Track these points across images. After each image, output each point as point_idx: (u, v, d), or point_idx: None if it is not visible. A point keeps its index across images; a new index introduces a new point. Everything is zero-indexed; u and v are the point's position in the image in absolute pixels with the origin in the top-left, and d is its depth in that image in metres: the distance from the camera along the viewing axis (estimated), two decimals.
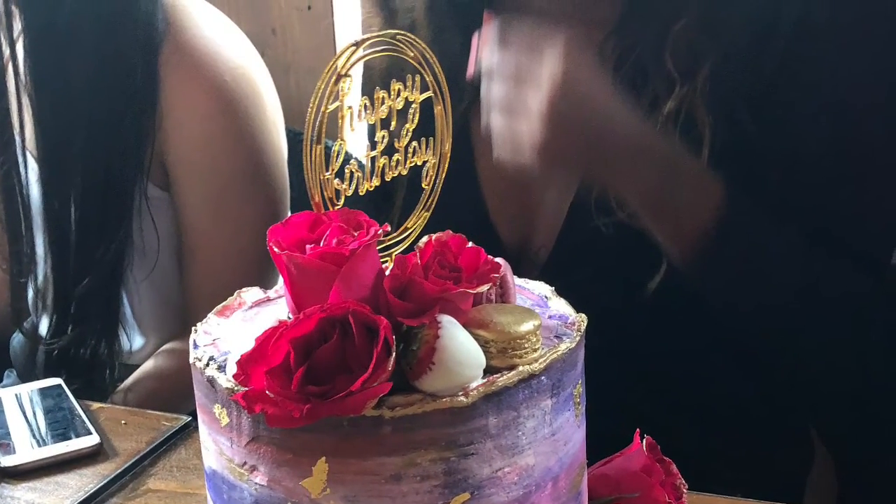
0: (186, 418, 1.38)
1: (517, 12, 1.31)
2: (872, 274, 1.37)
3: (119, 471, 1.28)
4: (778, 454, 1.51)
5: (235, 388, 0.75)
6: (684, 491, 0.92)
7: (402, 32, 0.81)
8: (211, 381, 0.78)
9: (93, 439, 1.32)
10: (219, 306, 0.90)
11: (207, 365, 0.80)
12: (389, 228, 0.79)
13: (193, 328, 0.86)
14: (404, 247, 0.86)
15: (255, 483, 0.77)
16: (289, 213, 1.70)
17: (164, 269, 1.77)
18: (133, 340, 1.82)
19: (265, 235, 0.76)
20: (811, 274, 1.33)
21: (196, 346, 0.83)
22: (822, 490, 1.65)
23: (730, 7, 1.32)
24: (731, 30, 1.31)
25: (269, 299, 0.92)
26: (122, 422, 1.39)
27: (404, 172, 0.85)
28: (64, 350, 1.73)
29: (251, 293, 0.92)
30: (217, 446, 0.80)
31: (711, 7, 1.31)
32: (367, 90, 0.81)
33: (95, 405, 1.45)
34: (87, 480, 1.26)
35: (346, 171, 0.80)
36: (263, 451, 0.76)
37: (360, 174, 0.81)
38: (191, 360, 0.82)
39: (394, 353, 0.71)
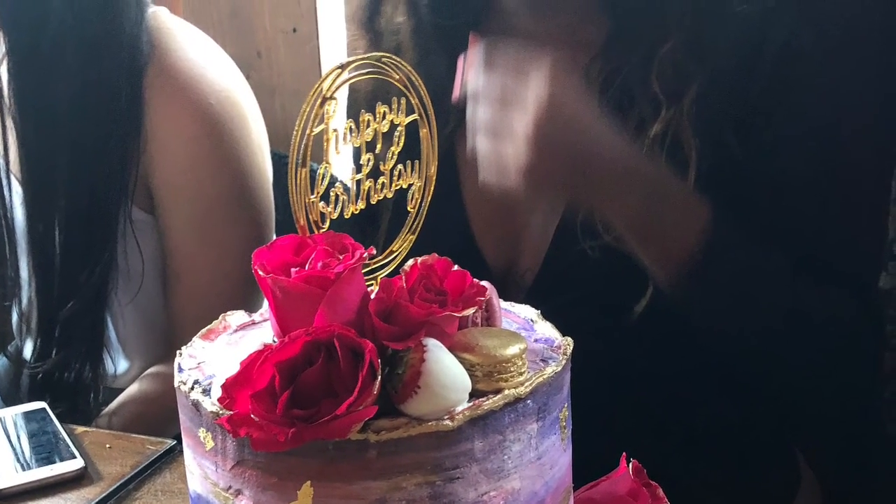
0: (171, 442, 1.37)
1: (503, 35, 1.32)
2: (858, 297, 1.38)
3: (103, 495, 1.27)
4: (765, 478, 1.51)
5: (220, 412, 0.74)
6: None
7: (388, 55, 0.82)
8: (196, 405, 0.78)
9: (77, 463, 1.31)
10: (203, 330, 0.90)
11: (192, 388, 0.79)
12: (375, 252, 0.78)
13: (178, 352, 0.86)
14: (390, 270, 0.86)
15: None
16: (274, 237, 1.70)
17: (149, 293, 1.76)
18: (117, 364, 1.82)
19: (250, 258, 0.76)
20: (798, 297, 1.33)
21: (181, 370, 0.83)
22: None
23: (716, 30, 1.32)
24: (718, 53, 1.31)
25: (253, 323, 0.91)
26: (107, 445, 1.38)
27: (390, 195, 0.85)
28: (48, 373, 1.72)
29: (236, 317, 0.92)
30: (202, 470, 0.79)
31: (698, 30, 1.31)
32: (353, 113, 0.81)
33: (80, 429, 1.43)
34: None
35: (332, 194, 0.80)
36: (248, 475, 0.75)
37: (345, 197, 0.81)
38: (175, 384, 0.81)
39: (379, 377, 0.70)
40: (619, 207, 1.25)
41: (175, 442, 1.36)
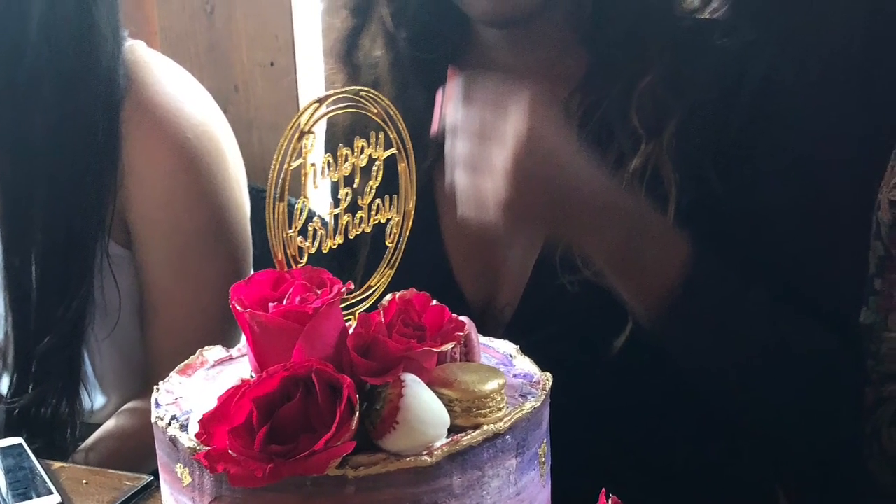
0: (148, 478, 1.35)
1: (482, 68, 1.32)
2: (839, 332, 1.38)
3: None
4: None
5: (198, 448, 0.74)
6: None
7: (366, 89, 0.82)
8: (173, 441, 0.77)
9: (54, 499, 1.30)
10: (181, 365, 0.90)
11: (169, 424, 0.79)
12: (353, 286, 0.78)
13: (155, 387, 0.86)
14: (368, 305, 0.85)
15: None
16: (251, 271, 1.69)
17: (126, 328, 1.75)
18: (94, 399, 1.81)
19: (227, 293, 0.75)
20: (778, 333, 1.33)
21: (158, 405, 0.83)
22: None
23: (696, 64, 1.33)
24: (698, 87, 1.32)
25: (231, 358, 0.91)
26: (84, 481, 1.36)
27: (368, 230, 0.84)
28: (25, 409, 1.71)
29: (213, 352, 0.92)
30: None
31: (677, 64, 1.32)
32: (331, 147, 0.81)
33: (56, 464, 1.42)
34: None
35: (310, 228, 0.80)
36: None
37: (323, 232, 0.81)
38: (153, 419, 0.81)
39: (357, 412, 0.70)
40: (599, 242, 1.25)
41: (152, 478, 1.35)
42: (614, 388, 1.35)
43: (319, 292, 0.75)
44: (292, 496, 0.72)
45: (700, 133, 1.31)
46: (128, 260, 1.70)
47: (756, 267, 1.31)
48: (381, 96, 0.82)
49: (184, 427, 0.78)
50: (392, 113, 0.83)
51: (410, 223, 0.87)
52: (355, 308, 0.84)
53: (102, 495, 1.33)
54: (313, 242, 0.80)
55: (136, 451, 1.65)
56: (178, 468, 0.77)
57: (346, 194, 0.82)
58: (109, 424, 1.74)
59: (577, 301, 1.32)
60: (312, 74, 2.23)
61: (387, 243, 0.87)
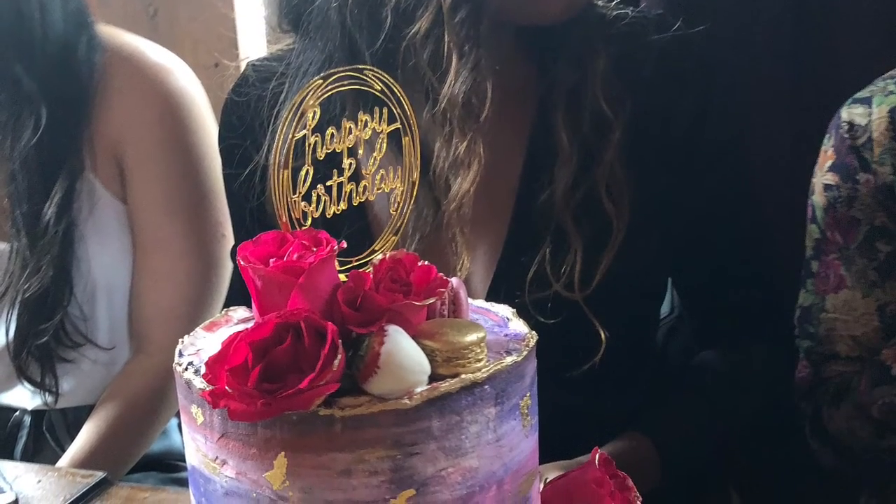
0: (101, 474, 1.41)
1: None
2: (785, 346, 1.46)
3: None
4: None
5: (206, 388, 0.82)
6: (638, 503, 0.97)
7: (369, 67, 0.88)
8: (188, 384, 0.85)
9: (8, 497, 1.34)
10: (206, 322, 0.98)
11: (186, 369, 0.87)
12: (345, 245, 0.85)
13: (181, 340, 0.94)
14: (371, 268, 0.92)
15: (225, 476, 0.84)
16: (229, 227, 1.77)
17: (117, 284, 1.87)
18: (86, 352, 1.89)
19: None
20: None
21: (181, 355, 0.91)
22: None
23: (634, 62, 1.41)
24: (639, 85, 1.40)
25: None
26: (38, 480, 1.41)
27: (372, 198, 0.91)
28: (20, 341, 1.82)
29: (238, 312, 1.00)
30: (195, 443, 0.87)
31: (618, 64, 1.39)
32: (336, 121, 0.88)
33: (10, 463, 1.47)
34: None
35: (314, 194, 0.87)
36: (232, 447, 0.83)
37: (326, 198, 0.88)
38: (174, 366, 0.89)
39: (339, 356, 0.77)
40: None
41: (105, 474, 1.42)
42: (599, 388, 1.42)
43: (315, 250, 0.83)
44: (287, 433, 0.80)
45: (646, 131, 1.36)
46: (122, 213, 1.80)
47: (702, 252, 1.38)
48: (385, 74, 0.89)
49: (197, 372, 0.86)
50: (395, 90, 0.90)
51: (415, 193, 0.94)
52: (360, 270, 0.92)
53: (57, 492, 1.37)
54: (317, 207, 0.87)
55: (145, 406, 1.76)
56: (193, 409, 0.85)
57: (350, 164, 0.89)
58: (114, 388, 1.82)
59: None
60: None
61: (391, 211, 0.94)
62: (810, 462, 1.58)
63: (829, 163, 1.50)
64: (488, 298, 1.04)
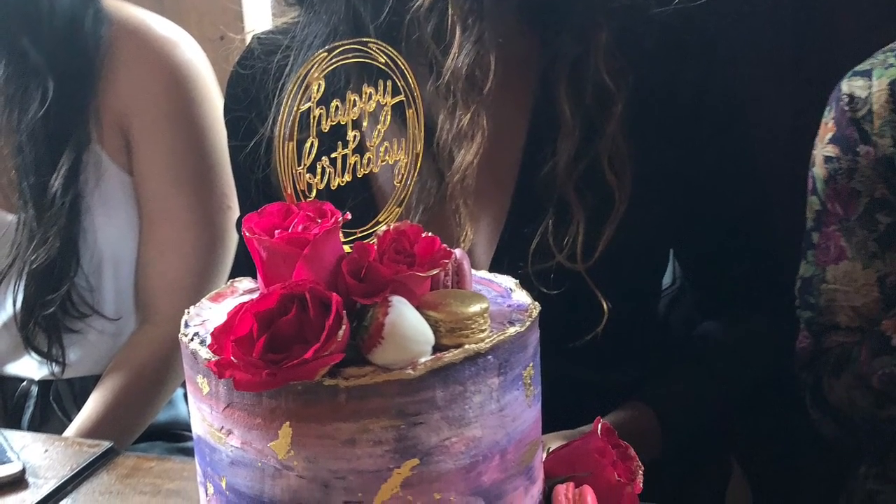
0: (108, 444, 1.42)
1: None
2: (786, 317, 1.47)
3: (42, 497, 1.30)
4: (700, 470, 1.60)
5: (211, 358, 0.83)
6: (640, 472, 0.98)
7: (374, 40, 0.89)
8: (194, 354, 0.86)
9: (15, 467, 1.34)
10: (212, 293, 0.99)
11: (192, 340, 0.88)
12: (350, 217, 0.86)
13: (186, 310, 0.94)
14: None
15: (231, 445, 0.85)
16: (235, 199, 1.78)
17: (123, 255, 1.88)
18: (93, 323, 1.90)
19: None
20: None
21: (187, 325, 0.92)
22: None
23: (636, 37, 1.41)
24: (641, 59, 1.40)
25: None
26: (44, 449, 1.41)
27: (376, 170, 0.92)
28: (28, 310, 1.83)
29: (244, 283, 1.01)
30: (201, 413, 0.88)
31: (620, 39, 1.40)
32: (340, 93, 0.89)
33: (17, 433, 1.47)
34: None
35: (318, 166, 0.88)
36: (237, 417, 0.84)
37: (331, 169, 0.88)
38: (180, 336, 0.90)
39: (344, 326, 0.78)
40: None
41: (111, 444, 1.42)
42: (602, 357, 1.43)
43: (320, 221, 0.84)
44: (292, 403, 0.81)
45: (648, 104, 1.37)
46: (129, 184, 1.80)
47: (704, 224, 1.39)
48: (389, 47, 0.90)
49: (203, 342, 0.87)
50: (399, 62, 0.90)
51: (419, 165, 0.94)
52: (364, 241, 0.93)
53: (63, 462, 1.38)
54: (322, 179, 0.88)
55: (151, 377, 1.77)
56: (199, 379, 0.86)
57: (355, 136, 0.89)
58: (120, 358, 1.83)
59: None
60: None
61: (395, 183, 0.94)
62: (811, 432, 1.59)
63: (829, 135, 1.51)
64: (491, 269, 1.04)
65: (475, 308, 0.84)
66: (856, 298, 1.49)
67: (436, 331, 0.83)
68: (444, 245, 0.87)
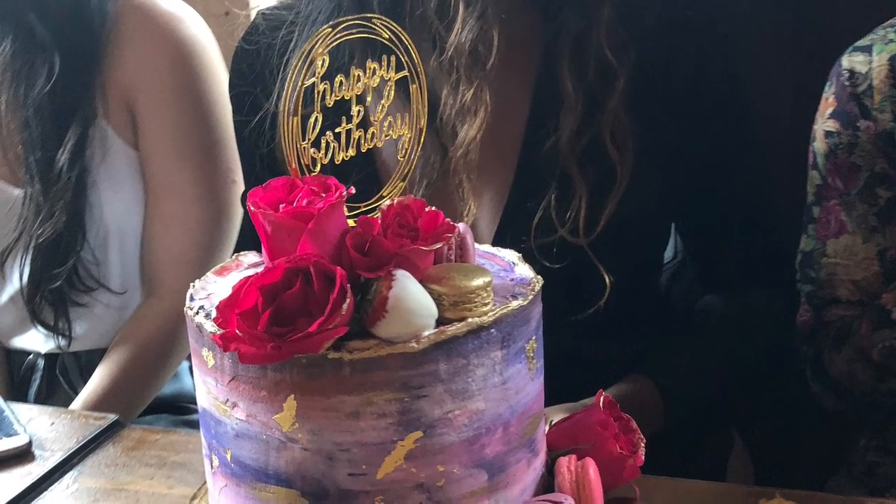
0: (114, 417, 1.43)
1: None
2: (787, 291, 1.48)
3: (49, 469, 1.31)
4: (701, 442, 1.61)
5: (216, 331, 0.84)
6: (641, 445, 0.98)
7: (378, 15, 0.89)
8: (199, 327, 0.87)
9: (22, 439, 1.35)
10: (217, 266, 0.99)
11: (197, 313, 0.89)
12: (353, 191, 0.87)
13: (192, 284, 0.95)
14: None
15: (236, 418, 0.86)
16: (240, 173, 1.79)
17: (128, 230, 1.89)
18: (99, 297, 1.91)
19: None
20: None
21: (192, 299, 0.92)
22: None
23: (640, 12, 1.41)
24: (644, 34, 1.40)
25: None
26: (51, 422, 1.42)
27: (380, 145, 0.93)
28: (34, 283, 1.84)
29: (249, 256, 1.01)
30: (206, 386, 0.89)
31: (622, 13, 1.40)
32: (344, 69, 0.89)
33: (24, 406, 1.48)
34: (16, 480, 1.29)
35: (323, 141, 0.88)
36: (242, 389, 0.85)
37: (335, 144, 0.89)
38: (185, 310, 0.90)
39: (348, 299, 0.79)
40: None
41: (117, 416, 1.43)
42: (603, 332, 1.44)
43: (325, 195, 0.84)
44: (297, 376, 0.81)
45: (649, 79, 1.37)
46: (134, 159, 1.81)
47: (705, 198, 1.40)
48: (393, 23, 0.90)
49: (208, 315, 0.87)
50: (403, 38, 0.91)
51: (422, 140, 0.95)
52: (368, 216, 0.93)
53: (70, 434, 1.39)
54: (326, 154, 0.89)
55: (156, 350, 1.78)
56: (204, 352, 0.87)
57: (359, 111, 0.90)
58: (126, 331, 1.84)
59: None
60: None
61: (399, 157, 0.95)
62: (811, 405, 1.60)
63: (829, 110, 1.51)
64: (494, 243, 1.05)
65: (478, 282, 0.84)
66: (856, 272, 1.49)
67: (439, 304, 0.83)
68: (448, 219, 0.87)
